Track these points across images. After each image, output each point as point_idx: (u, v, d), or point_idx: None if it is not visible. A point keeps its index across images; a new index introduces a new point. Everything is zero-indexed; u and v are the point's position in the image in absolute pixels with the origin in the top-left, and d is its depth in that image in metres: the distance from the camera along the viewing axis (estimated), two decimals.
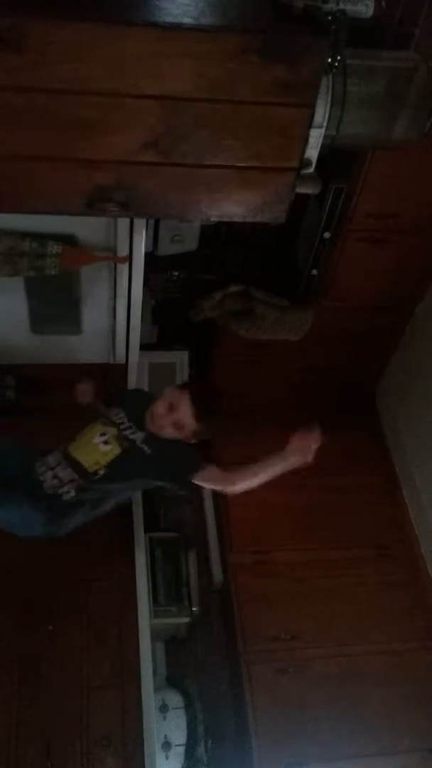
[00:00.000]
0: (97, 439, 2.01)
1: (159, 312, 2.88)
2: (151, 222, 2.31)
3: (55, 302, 2.43)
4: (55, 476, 2.01)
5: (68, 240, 2.14)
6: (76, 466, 2.00)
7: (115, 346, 2.59)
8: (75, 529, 2.08)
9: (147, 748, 2.25)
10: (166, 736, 2.46)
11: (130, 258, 2.21)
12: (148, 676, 2.37)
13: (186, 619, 2.73)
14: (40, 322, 2.51)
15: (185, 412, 1.95)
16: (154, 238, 2.41)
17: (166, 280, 2.75)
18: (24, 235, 2.10)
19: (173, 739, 2.47)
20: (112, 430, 2.02)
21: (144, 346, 2.74)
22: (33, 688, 2.33)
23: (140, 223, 2.10)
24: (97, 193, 1.73)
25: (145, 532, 2.76)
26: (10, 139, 1.61)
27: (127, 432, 2.01)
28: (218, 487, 2.03)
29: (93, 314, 2.49)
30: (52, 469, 2.02)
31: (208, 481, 2.00)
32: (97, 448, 1.99)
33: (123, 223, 2.09)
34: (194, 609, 2.74)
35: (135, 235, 2.13)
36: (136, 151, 1.64)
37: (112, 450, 1.98)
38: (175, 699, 2.56)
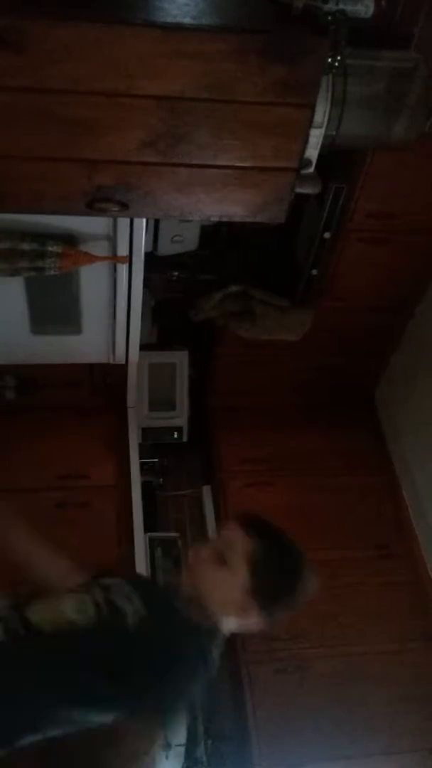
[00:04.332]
0: (67, 606, 1.38)
1: (159, 312, 2.87)
2: (151, 222, 2.31)
3: (55, 302, 2.43)
4: None
5: (68, 240, 2.14)
6: (16, 609, 1.38)
7: (115, 346, 2.59)
8: None
9: None
10: (166, 736, 2.46)
11: (130, 258, 2.21)
12: None
13: None
14: (40, 322, 2.51)
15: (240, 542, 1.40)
16: (154, 238, 2.41)
17: (166, 280, 2.75)
18: (24, 235, 2.09)
19: (173, 739, 2.47)
20: (93, 596, 1.40)
21: (144, 346, 2.74)
22: None
23: (140, 223, 2.09)
24: (97, 193, 1.74)
25: (145, 532, 2.76)
26: (10, 139, 1.62)
27: (115, 597, 1.38)
28: None
29: (93, 314, 2.48)
30: None
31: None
32: (62, 615, 1.36)
33: (123, 223, 2.09)
34: None
35: (135, 235, 2.13)
36: (136, 151, 1.64)
37: (82, 618, 1.34)
38: None
